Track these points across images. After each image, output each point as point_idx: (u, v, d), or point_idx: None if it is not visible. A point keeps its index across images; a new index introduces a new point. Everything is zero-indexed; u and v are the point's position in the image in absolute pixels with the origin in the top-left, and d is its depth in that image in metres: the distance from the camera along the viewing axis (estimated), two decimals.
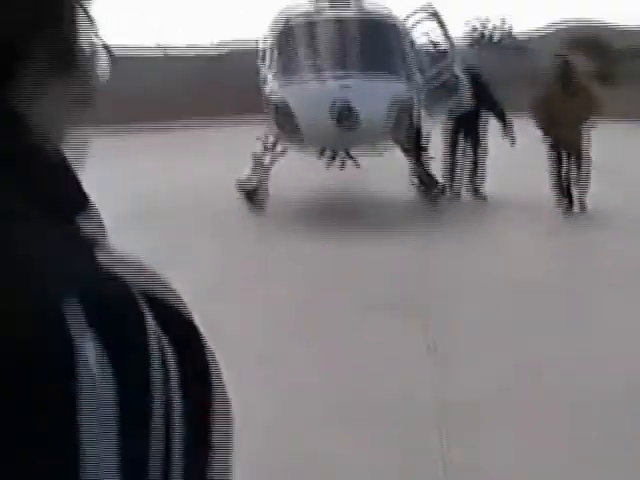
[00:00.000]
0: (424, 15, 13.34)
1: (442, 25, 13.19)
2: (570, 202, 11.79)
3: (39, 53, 0.66)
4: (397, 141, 13.06)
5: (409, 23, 13.30)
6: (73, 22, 0.68)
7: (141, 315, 0.59)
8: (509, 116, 13.31)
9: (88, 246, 0.62)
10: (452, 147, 13.43)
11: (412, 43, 13.06)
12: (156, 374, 0.58)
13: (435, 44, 13.46)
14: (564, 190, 11.79)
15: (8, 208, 0.60)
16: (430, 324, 6.91)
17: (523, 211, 11.95)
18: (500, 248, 9.93)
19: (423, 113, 12.71)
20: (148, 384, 0.57)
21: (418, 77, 12.65)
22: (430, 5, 13.31)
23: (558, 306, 7.37)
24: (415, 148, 13.32)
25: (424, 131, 13.11)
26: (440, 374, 5.82)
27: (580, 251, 9.81)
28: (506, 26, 47.80)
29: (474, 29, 49.21)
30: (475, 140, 13.32)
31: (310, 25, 12.57)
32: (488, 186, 13.24)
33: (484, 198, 13.15)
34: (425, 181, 13.13)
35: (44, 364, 0.54)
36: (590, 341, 6.45)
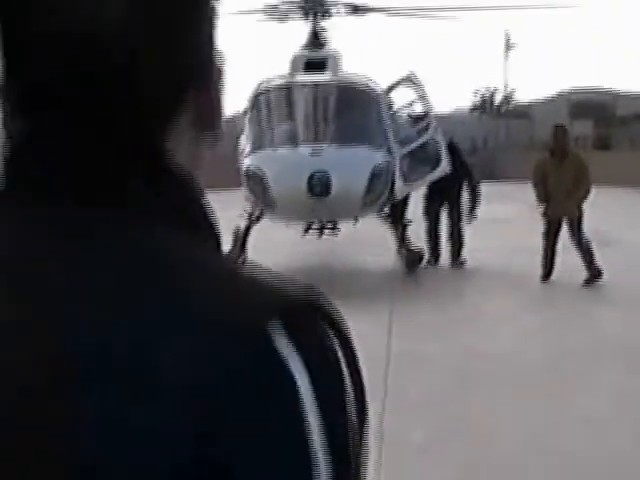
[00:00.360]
0: (405, 83, 13.22)
1: (423, 93, 13.06)
2: (549, 272, 11.50)
3: (189, 107, 0.78)
4: (378, 212, 12.85)
5: (390, 91, 13.17)
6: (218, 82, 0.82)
7: (328, 334, 0.69)
8: (480, 189, 13.14)
9: (259, 271, 0.72)
10: (433, 214, 13.20)
11: (392, 111, 12.91)
12: (347, 387, 0.70)
13: (415, 112, 13.35)
14: (548, 259, 11.52)
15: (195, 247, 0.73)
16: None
17: (504, 280, 11.68)
18: (476, 320, 9.61)
19: (403, 182, 12.49)
20: (343, 399, 0.69)
21: (397, 146, 12.47)
22: (412, 73, 13.21)
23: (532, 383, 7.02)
24: (398, 221, 13.07)
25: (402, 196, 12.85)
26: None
27: (558, 326, 9.46)
28: (510, 93, 48.08)
29: (478, 96, 49.50)
30: (455, 207, 13.09)
31: (285, 93, 12.45)
32: (475, 252, 13.00)
33: (463, 265, 12.94)
34: (407, 255, 12.80)
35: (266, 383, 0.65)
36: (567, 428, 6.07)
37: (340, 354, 0.69)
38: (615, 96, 44.84)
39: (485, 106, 46.92)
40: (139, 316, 0.65)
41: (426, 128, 12.84)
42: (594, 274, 11.24)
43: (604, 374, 7.18)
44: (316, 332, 0.68)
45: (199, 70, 0.78)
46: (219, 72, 0.81)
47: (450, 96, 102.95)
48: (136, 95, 0.73)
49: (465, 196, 13.19)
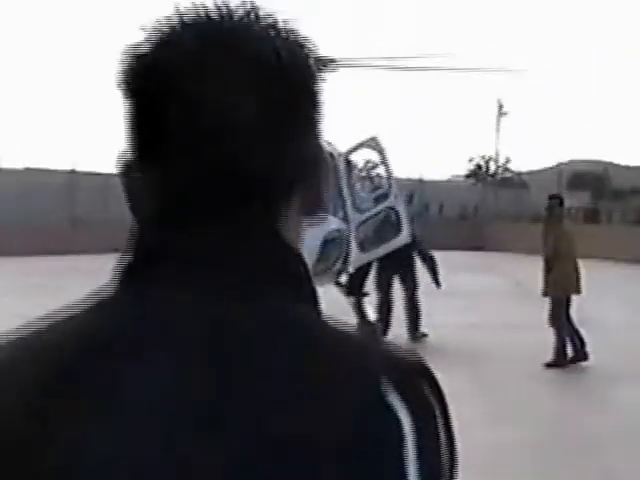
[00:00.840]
0: (367, 147, 12.58)
1: (384, 158, 12.42)
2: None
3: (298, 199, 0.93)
4: (332, 282, 12.11)
5: (349, 155, 12.51)
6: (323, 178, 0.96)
7: (423, 382, 0.86)
8: (435, 258, 12.56)
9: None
10: (384, 286, 12.45)
11: (350, 176, 12.22)
12: (441, 428, 0.85)
13: (375, 179, 12.74)
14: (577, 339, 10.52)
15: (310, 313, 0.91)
16: None
17: (460, 357, 10.87)
18: None
19: (359, 251, 11.74)
20: (437, 434, 0.84)
21: (354, 212, 11.76)
22: (373, 139, 12.54)
23: None
24: (356, 292, 12.29)
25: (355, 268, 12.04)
26: None
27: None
28: (505, 162, 47.75)
29: (473, 163, 49.17)
30: (408, 278, 12.39)
31: None
32: (440, 328, 12.37)
33: (422, 339, 12.23)
34: (364, 329, 11.95)
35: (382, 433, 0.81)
36: None
37: (437, 410, 0.85)
38: (611, 167, 44.54)
39: (480, 174, 46.50)
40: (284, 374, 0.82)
41: (386, 195, 12.14)
42: (565, 360, 10.39)
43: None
44: (420, 389, 0.85)
45: (309, 167, 0.92)
46: (324, 166, 0.94)
47: (448, 163, 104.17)
48: (264, 190, 0.89)
49: (420, 266, 12.58)
